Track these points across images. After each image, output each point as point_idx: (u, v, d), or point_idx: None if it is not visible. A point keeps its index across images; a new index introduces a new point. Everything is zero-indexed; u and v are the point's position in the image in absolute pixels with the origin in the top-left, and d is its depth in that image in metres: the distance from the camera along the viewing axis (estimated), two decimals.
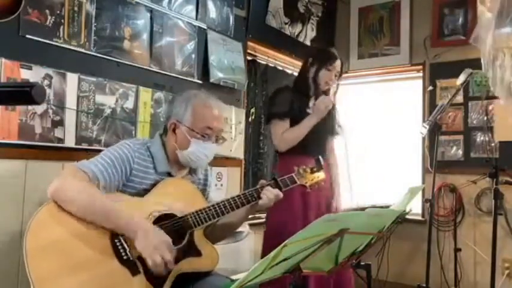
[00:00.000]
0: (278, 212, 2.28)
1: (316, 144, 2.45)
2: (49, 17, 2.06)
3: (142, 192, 1.64)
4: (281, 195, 1.76)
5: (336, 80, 2.53)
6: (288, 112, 2.42)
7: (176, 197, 1.66)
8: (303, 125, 2.41)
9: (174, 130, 1.73)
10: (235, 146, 3.13)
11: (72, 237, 1.45)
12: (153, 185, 1.66)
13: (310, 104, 2.50)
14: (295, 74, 2.98)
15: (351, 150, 2.47)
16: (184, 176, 1.79)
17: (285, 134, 2.41)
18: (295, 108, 2.44)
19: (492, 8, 2.88)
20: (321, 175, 1.89)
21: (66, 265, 1.42)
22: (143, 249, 1.46)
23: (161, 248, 1.46)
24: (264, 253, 2.42)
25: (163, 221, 1.59)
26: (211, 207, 1.65)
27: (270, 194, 1.72)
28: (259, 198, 1.72)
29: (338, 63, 2.51)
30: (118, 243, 1.49)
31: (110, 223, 1.48)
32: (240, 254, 3.08)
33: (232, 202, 1.68)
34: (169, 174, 1.72)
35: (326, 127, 2.53)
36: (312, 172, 1.87)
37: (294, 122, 2.43)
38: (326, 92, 2.54)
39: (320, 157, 1.92)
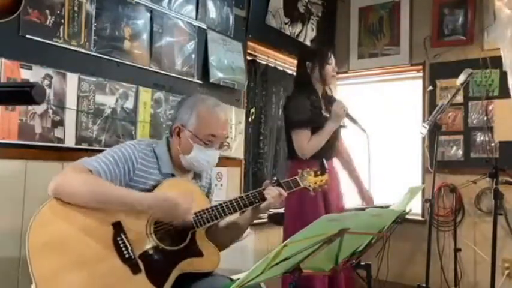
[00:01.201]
0: (302, 207, 2.36)
1: (330, 148, 2.53)
2: (49, 17, 2.06)
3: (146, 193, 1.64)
4: (285, 194, 1.76)
5: (336, 69, 2.66)
6: (309, 119, 2.47)
7: None
8: (325, 132, 2.46)
9: (178, 134, 1.72)
10: (235, 146, 3.13)
11: (74, 235, 1.46)
12: (157, 186, 1.65)
13: (322, 104, 2.57)
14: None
15: (372, 153, 2.50)
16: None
17: (310, 143, 2.45)
18: (313, 113, 2.49)
19: (510, 3, 2.85)
20: (324, 178, 1.88)
21: (68, 263, 1.42)
22: (163, 219, 1.56)
23: (178, 211, 1.54)
24: None
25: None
26: (214, 208, 1.65)
27: (272, 193, 1.72)
28: (263, 199, 1.71)
29: (332, 55, 2.64)
30: (120, 242, 1.50)
31: (120, 205, 1.51)
32: (240, 254, 3.08)
33: (235, 203, 1.68)
34: (173, 176, 1.72)
35: (335, 130, 2.57)
36: (316, 175, 1.87)
37: (314, 127, 2.48)
38: (328, 89, 2.66)
39: (324, 160, 1.92)
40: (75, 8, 2.17)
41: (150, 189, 1.64)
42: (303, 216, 2.36)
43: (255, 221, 2.63)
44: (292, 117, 2.51)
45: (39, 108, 2.02)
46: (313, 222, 1.20)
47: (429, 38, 3.80)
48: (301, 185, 1.83)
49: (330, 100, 2.61)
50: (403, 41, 3.95)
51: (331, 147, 2.55)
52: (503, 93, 3.33)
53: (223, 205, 1.66)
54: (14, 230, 1.89)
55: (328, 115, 2.52)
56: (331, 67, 2.59)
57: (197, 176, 1.82)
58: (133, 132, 2.43)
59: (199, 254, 1.63)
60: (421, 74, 3.88)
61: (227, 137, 1.78)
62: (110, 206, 1.50)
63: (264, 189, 1.74)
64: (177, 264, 1.57)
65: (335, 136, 2.58)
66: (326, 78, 2.58)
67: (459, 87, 2.85)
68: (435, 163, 2.74)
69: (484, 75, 3.49)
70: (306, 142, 2.44)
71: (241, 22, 3.22)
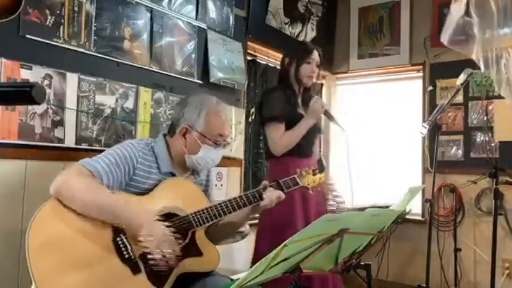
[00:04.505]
0: (278, 212, 2.26)
1: (307, 145, 2.43)
2: (49, 17, 2.06)
3: (145, 192, 1.64)
4: (283, 196, 1.77)
5: (316, 69, 2.48)
6: (283, 114, 2.36)
7: (178, 197, 1.66)
8: (300, 128, 2.35)
9: (184, 135, 1.73)
10: (235, 146, 3.13)
11: (74, 234, 1.46)
12: (156, 185, 1.66)
13: (299, 101, 2.47)
14: None
15: (352, 151, 2.44)
16: (187, 177, 1.79)
17: (282, 139, 2.34)
18: (287, 109, 2.39)
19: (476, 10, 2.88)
20: (322, 176, 1.89)
21: (67, 262, 1.42)
22: (147, 246, 1.49)
23: (163, 245, 1.48)
24: (258, 253, 2.39)
25: (165, 220, 1.59)
26: (213, 208, 1.65)
27: (271, 195, 1.73)
28: (261, 199, 1.72)
29: (315, 53, 2.47)
30: (120, 242, 1.50)
31: (115, 220, 1.50)
32: (240, 254, 3.08)
33: (234, 203, 1.69)
34: (172, 175, 1.73)
35: (314, 127, 2.47)
36: (314, 174, 1.88)
37: (287, 123, 2.37)
38: (310, 87, 2.52)
39: (322, 158, 1.92)
40: (75, 8, 2.17)
41: (150, 189, 1.65)
42: (279, 227, 2.30)
43: (255, 221, 2.63)
44: (265, 111, 2.40)
45: (39, 108, 2.02)
46: (313, 222, 1.20)
47: (429, 38, 3.80)
48: (300, 184, 1.83)
49: (308, 98, 2.46)
50: (403, 41, 3.95)
51: (309, 145, 2.43)
52: None
53: (223, 205, 1.67)
54: (13, 229, 1.89)
55: (304, 113, 2.41)
56: (309, 66, 2.43)
57: (195, 172, 1.82)
58: (133, 132, 2.43)
59: (199, 253, 1.63)
60: (421, 74, 3.88)
61: (230, 136, 1.82)
62: (104, 218, 1.49)
63: (263, 189, 1.75)
64: (177, 264, 1.56)
65: (313, 135, 2.46)
66: (301, 78, 2.43)
67: (459, 87, 2.85)
68: (435, 163, 2.74)
69: (484, 75, 3.49)
70: (279, 137, 2.33)
71: (241, 22, 3.22)
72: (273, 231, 2.31)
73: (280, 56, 3.58)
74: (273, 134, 2.36)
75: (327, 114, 2.42)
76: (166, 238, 1.50)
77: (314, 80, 2.51)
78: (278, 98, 2.39)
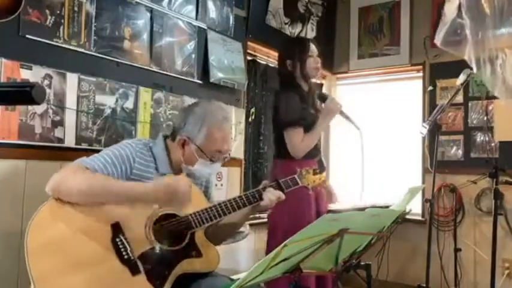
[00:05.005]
0: (293, 213, 2.27)
1: (315, 146, 2.44)
2: (49, 17, 2.06)
3: None
4: (283, 197, 1.75)
5: (319, 60, 2.50)
6: (302, 118, 2.37)
7: None
8: (317, 130, 2.38)
9: (183, 145, 1.72)
10: (235, 146, 3.13)
11: (73, 236, 1.46)
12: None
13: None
14: None
15: (366, 151, 2.44)
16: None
17: (303, 142, 2.35)
18: (303, 111, 2.40)
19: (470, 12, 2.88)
20: (322, 176, 1.89)
21: (66, 263, 1.42)
22: (169, 203, 1.57)
23: (184, 196, 1.57)
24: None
25: (165, 220, 1.60)
26: (213, 208, 1.65)
27: (271, 196, 1.72)
28: (261, 199, 1.71)
29: (312, 45, 2.49)
30: (119, 242, 1.50)
31: (119, 195, 1.52)
32: (240, 254, 3.08)
33: (233, 203, 1.68)
34: None
35: None
36: (314, 174, 1.87)
37: (305, 125, 2.39)
38: (313, 85, 2.55)
39: (322, 158, 1.91)
40: (75, 8, 2.17)
41: None
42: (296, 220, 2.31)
43: (255, 221, 2.63)
44: (284, 116, 2.38)
45: (39, 108, 2.02)
46: (313, 222, 1.20)
47: (429, 38, 3.79)
48: (300, 184, 1.82)
49: (319, 96, 2.50)
50: (403, 41, 3.95)
51: (316, 146, 2.45)
52: None
53: (222, 205, 1.66)
54: (13, 229, 1.89)
55: (313, 112, 2.43)
56: (312, 59, 2.45)
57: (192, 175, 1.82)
58: (133, 132, 2.43)
59: (199, 254, 1.63)
60: (421, 74, 3.88)
61: (229, 150, 1.80)
62: (109, 198, 1.50)
63: (263, 189, 1.74)
64: (177, 264, 1.57)
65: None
66: (309, 72, 2.45)
67: (459, 87, 2.85)
68: (435, 163, 2.74)
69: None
70: (300, 141, 2.35)
71: (241, 22, 3.22)
72: (286, 232, 2.30)
73: None
74: (294, 138, 2.36)
75: (343, 113, 2.44)
76: (179, 186, 1.56)
77: (320, 72, 2.53)
78: (294, 101, 2.38)
